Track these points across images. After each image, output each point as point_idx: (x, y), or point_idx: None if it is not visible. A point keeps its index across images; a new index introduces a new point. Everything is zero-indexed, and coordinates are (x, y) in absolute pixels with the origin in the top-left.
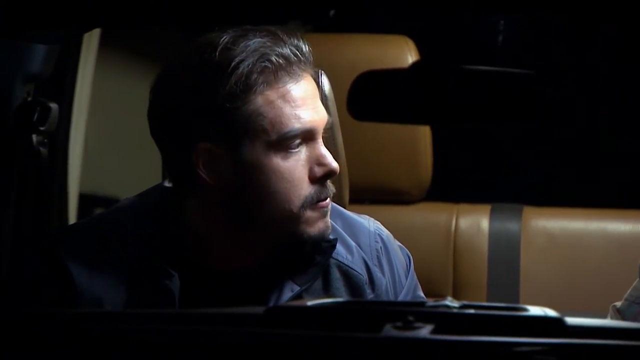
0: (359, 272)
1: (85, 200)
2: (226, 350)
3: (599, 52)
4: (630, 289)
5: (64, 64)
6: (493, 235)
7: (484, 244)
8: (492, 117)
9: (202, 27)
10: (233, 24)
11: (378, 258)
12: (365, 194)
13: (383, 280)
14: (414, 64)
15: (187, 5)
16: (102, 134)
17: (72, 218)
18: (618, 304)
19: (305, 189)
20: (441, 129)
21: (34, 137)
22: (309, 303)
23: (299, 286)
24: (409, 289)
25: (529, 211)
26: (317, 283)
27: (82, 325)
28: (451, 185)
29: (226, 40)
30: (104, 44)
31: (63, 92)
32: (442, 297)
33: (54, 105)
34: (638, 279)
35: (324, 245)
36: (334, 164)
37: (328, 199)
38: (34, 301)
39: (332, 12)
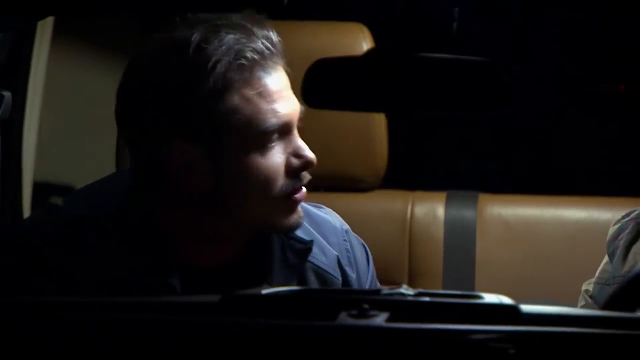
0: (334, 275)
1: (40, 188)
2: (181, 338)
3: (550, 39)
4: (598, 272)
5: (18, 51)
6: (449, 223)
7: (439, 231)
8: (447, 106)
9: (155, 15)
10: (186, 11)
11: (348, 257)
12: (320, 181)
13: (353, 277)
14: (369, 52)
15: None
16: (57, 123)
17: (27, 206)
18: (589, 288)
19: (281, 180)
20: (396, 116)
21: None
22: (264, 291)
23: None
24: (371, 284)
25: (484, 198)
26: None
27: (38, 314)
28: (406, 173)
29: (199, 38)
30: (58, 32)
31: (17, 80)
32: (397, 284)
33: (7, 94)
34: (605, 260)
35: (298, 247)
36: (311, 156)
37: (303, 189)
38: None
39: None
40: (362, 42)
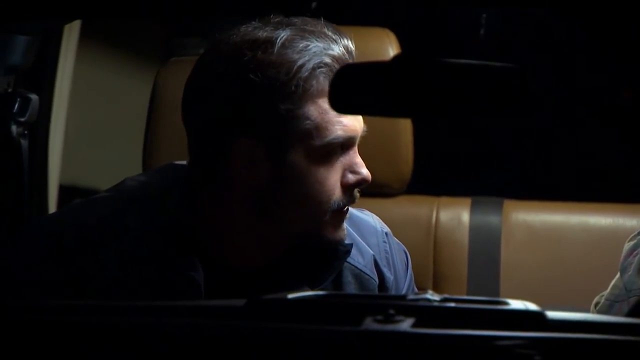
0: (371, 275)
1: (66, 191)
2: (206, 343)
3: (579, 45)
4: (609, 288)
5: (45, 55)
6: (474, 229)
7: (464, 237)
8: (474, 111)
9: (183, 20)
10: (214, 15)
11: (387, 258)
12: None
13: (391, 278)
14: (396, 57)
15: None
16: (83, 126)
17: (52, 209)
18: (600, 301)
19: (336, 194)
20: (422, 122)
21: (14, 128)
22: (290, 296)
23: (310, 288)
24: (409, 288)
25: (509, 204)
26: (329, 286)
27: (60, 317)
28: (432, 178)
29: (284, 39)
30: (85, 35)
31: (43, 83)
32: (422, 290)
33: (34, 97)
34: (617, 276)
35: (340, 250)
36: (367, 173)
37: (348, 207)
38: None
39: (313, 4)
40: (389, 47)
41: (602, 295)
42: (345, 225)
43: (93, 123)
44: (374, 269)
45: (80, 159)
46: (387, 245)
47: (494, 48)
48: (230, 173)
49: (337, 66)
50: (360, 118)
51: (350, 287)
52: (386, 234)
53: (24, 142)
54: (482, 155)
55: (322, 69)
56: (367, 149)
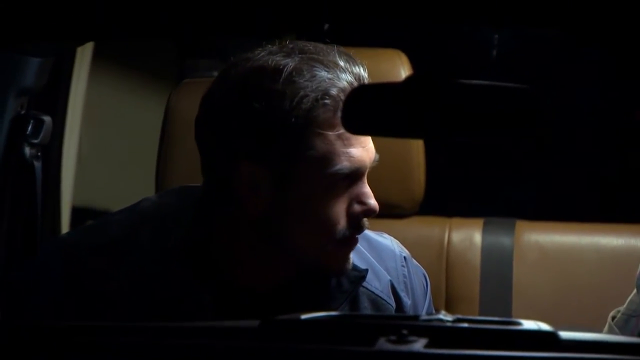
0: (388, 300)
1: (78, 213)
2: None
3: (594, 67)
4: (626, 303)
5: (58, 77)
6: (486, 249)
7: (476, 258)
8: (486, 133)
9: (195, 41)
10: (228, 36)
11: (405, 283)
12: None
13: (408, 303)
14: (408, 78)
15: (179, 19)
16: (95, 147)
17: (65, 230)
18: (617, 316)
19: (341, 224)
20: (434, 143)
21: (27, 150)
22: (303, 316)
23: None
24: (427, 312)
25: (521, 225)
26: (345, 311)
27: (75, 338)
28: (444, 199)
29: (291, 68)
30: (97, 56)
31: (56, 105)
32: (435, 310)
33: (47, 118)
34: (634, 292)
35: (353, 274)
36: (375, 204)
37: (356, 236)
38: (42, 311)
39: (326, 26)
40: (401, 68)
41: (619, 310)
42: (351, 256)
43: (106, 144)
44: (390, 293)
45: (92, 180)
46: (406, 270)
47: (507, 69)
48: (234, 196)
49: (342, 97)
50: (370, 149)
51: (367, 312)
52: (405, 258)
53: (37, 164)
54: (494, 176)
55: (325, 100)
56: (378, 170)
